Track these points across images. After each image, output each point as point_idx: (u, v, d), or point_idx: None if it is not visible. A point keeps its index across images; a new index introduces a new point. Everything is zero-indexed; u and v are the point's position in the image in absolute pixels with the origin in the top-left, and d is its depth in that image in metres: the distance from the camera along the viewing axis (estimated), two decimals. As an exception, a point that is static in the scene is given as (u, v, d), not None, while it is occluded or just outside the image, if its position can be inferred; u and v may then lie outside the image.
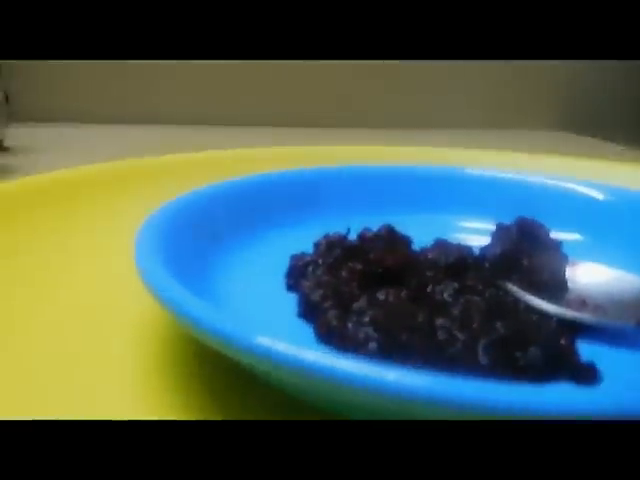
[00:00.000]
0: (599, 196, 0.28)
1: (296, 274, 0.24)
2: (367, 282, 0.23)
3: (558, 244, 0.24)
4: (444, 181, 0.30)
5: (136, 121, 0.72)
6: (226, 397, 0.18)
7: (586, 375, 0.18)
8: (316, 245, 0.26)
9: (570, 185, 0.29)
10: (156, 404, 0.17)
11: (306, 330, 0.21)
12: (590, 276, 0.23)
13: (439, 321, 0.19)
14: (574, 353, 0.19)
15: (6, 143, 0.55)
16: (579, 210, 0.28)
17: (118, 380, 0.18)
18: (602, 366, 0.19)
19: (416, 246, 0.26)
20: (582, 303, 0.22)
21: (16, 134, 0.57)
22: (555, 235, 0.24)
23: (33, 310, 0.23)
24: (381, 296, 0.22)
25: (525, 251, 0.24)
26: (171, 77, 0.74)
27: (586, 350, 0.20)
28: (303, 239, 0.26)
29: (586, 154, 0.51)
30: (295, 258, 0.25)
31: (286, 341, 0.14)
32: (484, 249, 0.24)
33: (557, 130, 0.84)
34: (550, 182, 0.29)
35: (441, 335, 0.19)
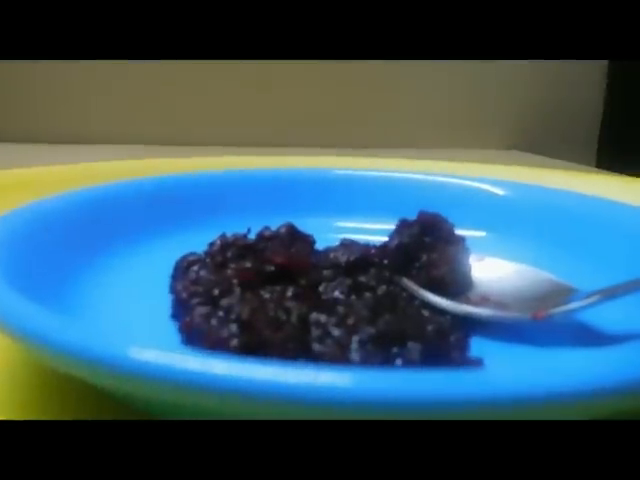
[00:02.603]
0: (501, 192, 0.27)
1: (179, 274, 0.22)
2: (256, 281, 0.21)
3: (461, 239, 0.22)
4: (349, 184, 0.29)
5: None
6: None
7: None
8: (210, 245, 0.24)
9: (474, 183, 0.28)
10: None
11: (174, 331, 0.19)
12: (494, 271, 0.22)
13: (314, 318, 0.18)
14: (463, 349, 0.18)
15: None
16: (483, 207, 0.27)
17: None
18: (493, 361, 0.17)
19: (320, 246, 0.24)
20: (484, 298, 0.21)
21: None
22: (460, 232, 0.22)
23: None
24: (265, 294, 0.20)
25: (426, 246, 0.22)
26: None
27: (481, 345, 0.18)
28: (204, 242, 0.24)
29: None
30: (181, 259, 0.23)
31: (147, 344, 0.12)
32: (384, 244, 0.23)
33: (510, 149, 0.84)
34: (454, 181, 0.28)
35: (314, 332, 0.17)
